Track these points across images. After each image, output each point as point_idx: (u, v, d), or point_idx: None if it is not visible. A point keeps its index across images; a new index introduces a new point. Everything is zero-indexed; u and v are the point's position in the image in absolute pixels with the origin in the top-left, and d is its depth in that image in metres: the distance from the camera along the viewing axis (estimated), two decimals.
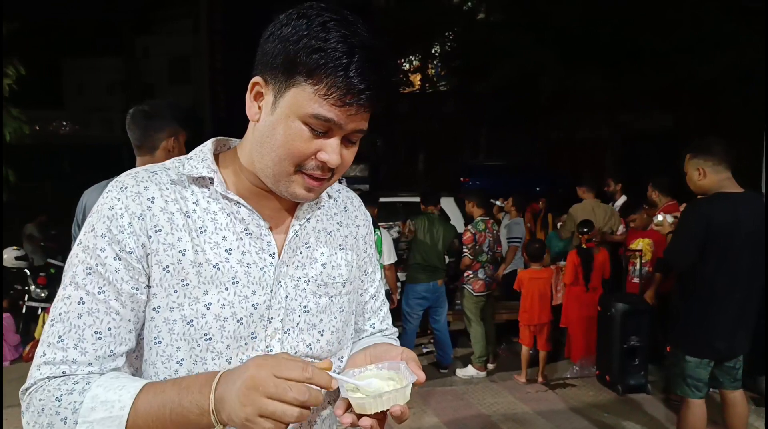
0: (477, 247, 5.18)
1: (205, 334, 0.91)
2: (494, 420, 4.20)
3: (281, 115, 0.89)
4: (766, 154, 4.54)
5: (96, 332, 0.87)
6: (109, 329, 0.88)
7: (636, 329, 4.64)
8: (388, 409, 0.86)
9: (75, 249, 0.92)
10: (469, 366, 5.25)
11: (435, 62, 20.79)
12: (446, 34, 18.60)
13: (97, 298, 0.88)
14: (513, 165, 17.13)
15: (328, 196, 1.10)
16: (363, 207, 1.17)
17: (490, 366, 5.32)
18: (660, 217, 3.48)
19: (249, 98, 0.93)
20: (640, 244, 5.11)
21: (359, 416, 0.87)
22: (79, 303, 0.88)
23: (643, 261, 5.07)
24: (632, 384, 4.63)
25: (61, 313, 0.88)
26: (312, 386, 0.77)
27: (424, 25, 16.96)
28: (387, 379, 0.91)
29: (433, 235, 5.17)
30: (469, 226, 5.32)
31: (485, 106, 16.62)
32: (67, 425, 0.82)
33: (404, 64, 21.12)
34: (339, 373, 0.90)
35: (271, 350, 0.96)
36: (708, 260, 2.85)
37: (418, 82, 21.45)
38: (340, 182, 1.12)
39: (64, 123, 27.88)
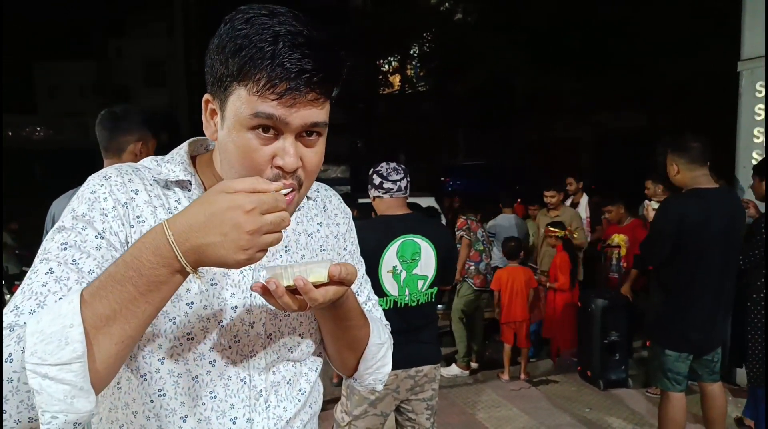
0: (472, 233, 5.28)
1: (188, 333, 0.90)
2: (478, 418, 4.23)
3: (229, 129, 0.86)
4: (738, 152, 4.65)
5: (60, 300, 0.76)
6: None
7: (616, 324, 4.71)
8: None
9: (49, 234, 0.87)
10: (453, 365, 5.28)
11: (414, 63, 20.89)
12: (424, 35, 18.70)
13: (68, 268, 0.81)
14: (492, 165, 17.32)
15: (307, 197, 1.08)
16: (342, 204, 1.16)
17: (474, 365, 5.36)
18: (645, 204, 3.55)
19: (204, 117, 0.92)
20: (616, 239, 5.20)
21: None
22: (46, 273, 0.81)
23: (620, 256, 5.15)
24: (613, 379, 4.70)
25: (23, 288, 0.81)
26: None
27: (401, 27, 17.03)
28: None
29: None
30: (459, 216, 5.48)
31: (463, 107, 16.76)
32: (15, 358, 0.71)
33: (383, 65, 21.18)
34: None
35: (254, 356, 0.95)
36: (683, 256, 2.91)
37: (398, 83, 21.52)
38: None
39: (38, 128, 27.35)
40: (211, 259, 0.74)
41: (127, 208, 0.88)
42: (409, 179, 2.65)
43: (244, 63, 0.80)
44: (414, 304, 2.60)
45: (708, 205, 2.88)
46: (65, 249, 0.83)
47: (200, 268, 0.77)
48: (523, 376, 4.98)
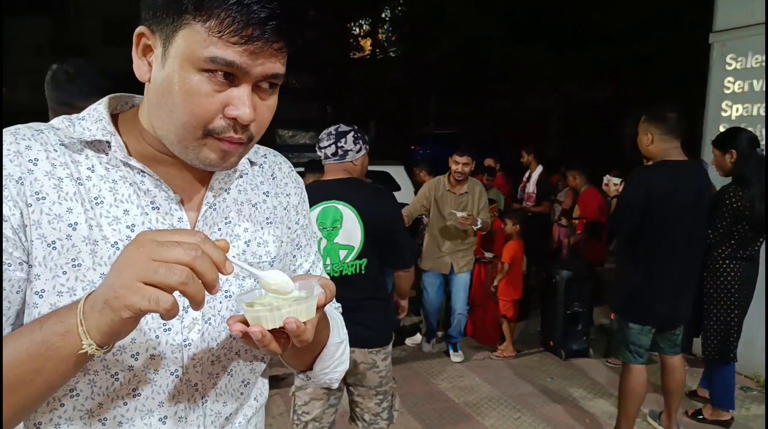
0: None
1: None
2: (441, 388, 4.23)
3: (173, 67, 0.73)
4: (706, 125, 4.64)
5: None
6: None
7: (579, 296, 4.75)
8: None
9: None
10: (417, 334, 5.26)
11: (385, 27, 20.49)
12: None
13: None
14: (462, 133, 17.22)
15: (251, 162, 0.95)
16: (294, 173, 1.03)
17: (439, 333, 5.35)
18: (605, 179, 3.49)
19: (135, 54, 0.78)
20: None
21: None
22: None
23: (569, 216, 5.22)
24: (575, 349, 4.76)
25: None
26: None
27: None
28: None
29: None
30: None
31: (435, 74, 16.56)
32: None
33: (354, 29, 20.71)
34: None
35: (190, 343, 0.82)
36: (648, 228, 2.87)
37: (369, 48, 21.11)
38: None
39: None
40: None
41: (21, 184, 0.74)
42: (347, 144, 2.45)
43: None
44: (337, 274, 2.40)
45: (677, 176, 2.84)
46: None
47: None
48: (511, 353, 4.85)
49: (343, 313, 2.31)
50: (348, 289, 2.38)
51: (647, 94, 11.86)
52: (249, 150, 0.83)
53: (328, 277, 1.08)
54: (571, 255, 5.41)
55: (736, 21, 4.35)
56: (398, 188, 7.09)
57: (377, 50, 20.83)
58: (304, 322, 0.72)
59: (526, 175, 6.86)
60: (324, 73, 19.05)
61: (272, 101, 0.80)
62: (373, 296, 2.48)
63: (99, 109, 0.83)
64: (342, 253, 2.42)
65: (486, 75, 15.09)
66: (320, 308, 0.75)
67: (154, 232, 0.65)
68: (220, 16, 0.69)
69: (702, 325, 3.52)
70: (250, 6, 0.69)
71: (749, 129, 3.60)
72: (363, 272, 2.44)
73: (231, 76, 0.73)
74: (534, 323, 5.44)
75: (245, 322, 0.72)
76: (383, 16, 19.97)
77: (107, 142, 0.80)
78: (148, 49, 0.77)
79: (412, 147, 17.41)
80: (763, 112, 4.23)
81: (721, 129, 4.28)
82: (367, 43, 20.95)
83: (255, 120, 0.77)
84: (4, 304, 0.74)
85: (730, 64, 4.41)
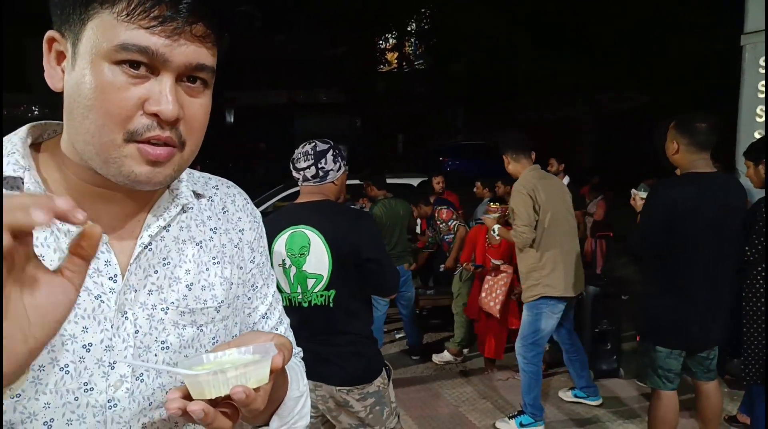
0: (458, 214, 5.15)
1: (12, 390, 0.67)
2: (462, 411, 4.07)
3: (84, 65, 0.65)
4: (739, 133, 4.40)
5: None
6: None
7: (607, 313, 4.54)
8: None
9: None
10: (445, 351, 5.12)
11: (412, 40, 20.53)
12: (422, 10, 18.34)
13: None
14: (491, 144, 17.02)
15: (197, 195, 0.84)
16: (250, 205, 0.93)
17: (466, 351, 5.18)
18: (633, 192, 3.28)
19: (47, 63, 0.70)
20: None
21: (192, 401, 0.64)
22: None
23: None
24: (604, 369, 4.54)
25: None
26: None
27: (398, 2, 16.68)
28: None
29: (393, 220, 4.99)
30: (435, 206, 5.34)
31: (462, 86, 16.47)
32: None
33: (380, 43, 20.81)
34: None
35: (116, 404, 0.72)
36: (673, 247, 2.68)
37: (395, 61, 21.17)
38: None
39: (33, 107, 27.05)
40: None
41: None
42: (326, 164, 2.26)
43: None
44: (306, 305, 2.22)
45: (702, 190, 2.64)
46: None
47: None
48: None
49: (311, 348, 1.99)
50: (316, 321, 2.23)
51: (682, 101, 11.48)
52: (188, 160, 0.72)
53: (286, 324, 0.98)
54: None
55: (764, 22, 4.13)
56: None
57: (404, 63, 20.87)
58: (256, 390, 0.63)
59: None
60: (351, 87, 19.15)
61: (204, 100, 0.71)
62: (343, 331, 2.25)
63: (14, 139, 0.74)
64: (310, 282, 2.24)
65: (513, 85, 14.91)
66: (274, 372, 0.66)
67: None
68: None
69: (741, 347, 3.27)
70: None
71: None
72: (331, 305, 2.22)
73: (147, 67, 0.65)
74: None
75: (187, 396, 0.63)
76: (409, 29, 20.01)
77: (18, 178, 0.70)
78: (61, 56, 0.69)
79: (440, 158, 17.32)
80: None
81: (757, 136, 4.04)
82: (393, 57, 21.02)
83: (183, 119, 0.68)
84: None
85: (763, 67, 4.18)
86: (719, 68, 9.79)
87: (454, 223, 5.29)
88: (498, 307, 4.38)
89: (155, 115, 0.65)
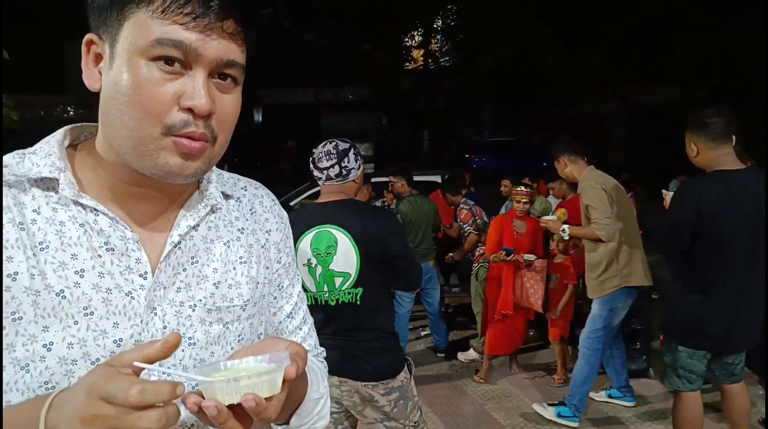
0: (478, 220, 5.07)
1: (46, 383, 0.71)
2: (487, 409, 4.06)
3: (121, 62, 0.69)
4: None
5: None
6: None
7: (636, 312, 4.46)
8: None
9: None
10: (471, 349, 5.11)
11: (438, 37, 20.42)
12: (449, 7, 18.23)
13: None
14: (518, 141, 16.86)
15: (226, 195, 0.88)
16: (277, 206, 0.96)
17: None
18: (664, 193, 3.23)
19: (85, 65, 0.74)
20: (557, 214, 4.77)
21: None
22: None
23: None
24: (633, 369, 4.46)
25: None
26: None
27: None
28: None
29: (419, 217, 4.99)
30: (461, 204, 5.22)
31: (488, 82, 16.32)
32: None
33: (407, 40, 20.76)
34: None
35: None
36: (700, 245, 2.62)
37: (421, 58, 21.10)
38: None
39: (69, 107, 27.75)
40: None
41: None
42: (349, 163, 2.29)
43: None
44: (333, 303, 2.26)
45: (730, 188, 2.57)
46: None
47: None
48: (558, 378, 4.47)
49: (337, 344, 2.13)
50: (343, 318, 2.28)
51: (714, 93, 11.20)
52: (218, 154, 0.76)
53: (309, 324, 1.01)
54: None
55: None
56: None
57: (429, 60, 20.78)
58: (268, 399, 0.65)
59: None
60: (378, 85, 19.16)
61: (234, 97, 0.75)
62: (370, 327, 2.30)
63: (51, 142, 0.78)
64: (338, 280, 2.28)
65: (541, 80, 14.72)
66: (288, 381, 0.68)
67: (101, 378, 0.58)
68: None
69: None
70: None
71: None
72: (358, 303, 2.27)
73: (181, 63, 0.69)
74: None
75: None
76: (435, 26, 19.91)
77: (55, 179, 0.75)
78: (98, 58, 0.73)
79: (467, 155, 17.22)
80: None
81: None
82: (419, 54, 20.95)
83: (215, 113, 0.71)
84: None
85: None
86: (753, 61, 9.51)
87: (469, 228, 5.17)
88: (540, 302, 4.36)
89: (190, 110, 0.69)
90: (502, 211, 5.24)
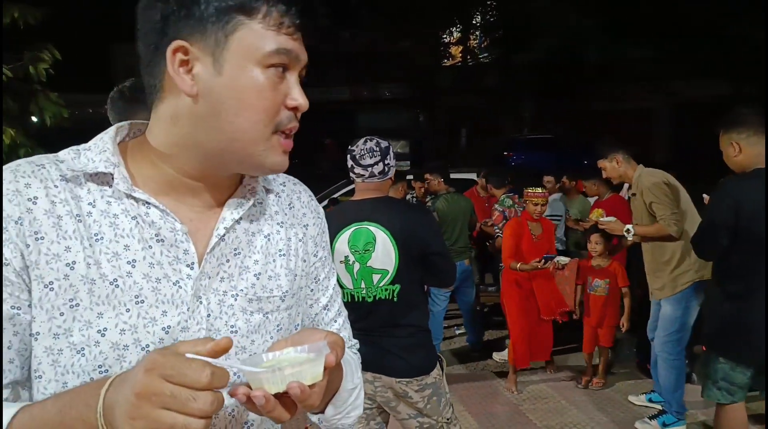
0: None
1: (100, 366, 0.76)
2: (522, 410, 4.02)
3: (234, 70, 0.76)
4: None
5: None
6: None
7: None
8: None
9: None
10: (506, 350, 5.05)
11: (476, 33, 20.21)
12: (487, 2, 18.01)
13: None
14: (558, 138, 16.53)
15: (267, 190, 0.92)
16: (314, 201, 1.00)
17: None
18: (705, 197, 3.14)
19: (174, 70, 0.76)
20: (595, 214, 4.63)
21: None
22: None
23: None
24: None
25: None
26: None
27: None
28: None
29: (455, 214, 4.96)
30: (496, 206, 5.12)
31: (528, 78, 16.06)
32: None
33: (445, 36, 20.62)
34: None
35: None
36: (741, 248, 2.52)
37: (460, 55, 20.92)
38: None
39: None
40: None
41: (21, 224, 0.74)
42: (390, 160, 2.30)
43: None
44: (370, 300, 2.28)
45: None
46: None
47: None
48: (598, 381, 4.35)
49: (372, 340, 2.15)
50: (379, 314, 2.30)
51: (764, 88, 10.73)
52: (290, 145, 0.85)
53: (344, 316, 1.05)
54: None
55: None
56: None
57: (468, 57, 20.59)
58: (311, 386, 0.68)
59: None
60: (415, 81, 19.10)
61: None
62: (405, 324, 2.32)
63: (105, 138, 0.83)
64: (375, 278, 2.30)
65: (582, 75, 14.40)
66: (328, 369, 0.71)
67: (162, 358, 0.60)
68: (269, 8, 0.75)
69: None
70: None
71: None
72: (395, 299, 2.30)
73: (283, 67, 0.78)
74: (629, 343, 5.04)
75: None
76: (474, 22, 19.71)
77: (110, 174, 0.79)
78: (185, 64, 0.77)
79: (505, 153, 16.98)
80: None
81: None
82: (458, 50, 20.78)
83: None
84: (18, 347, 0.75)
85: None
86: None
87: (499, 231, 5.01)
88: (572, 301, 4.30)
89: (295, 108, 0.80)
90: (496, 211, 5.09)
